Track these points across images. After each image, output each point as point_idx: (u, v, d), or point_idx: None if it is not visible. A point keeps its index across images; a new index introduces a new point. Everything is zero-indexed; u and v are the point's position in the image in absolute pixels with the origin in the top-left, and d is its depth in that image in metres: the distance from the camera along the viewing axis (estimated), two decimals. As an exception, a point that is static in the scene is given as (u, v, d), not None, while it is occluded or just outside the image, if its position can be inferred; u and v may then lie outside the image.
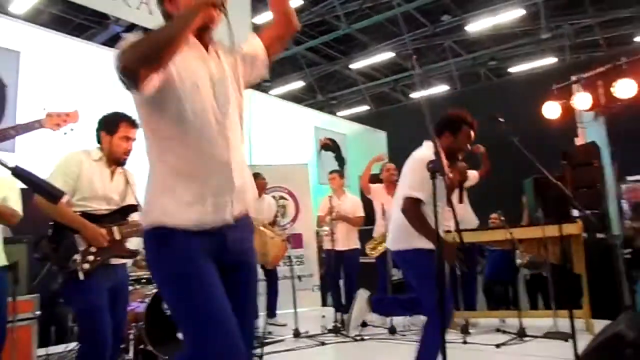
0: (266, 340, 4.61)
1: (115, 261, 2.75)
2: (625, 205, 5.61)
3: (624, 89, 4.98)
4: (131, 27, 11.07)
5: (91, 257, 2.59)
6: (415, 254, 2.75)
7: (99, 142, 2.83)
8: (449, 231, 4.43)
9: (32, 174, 1.05)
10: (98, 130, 2.83)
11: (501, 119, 2.94)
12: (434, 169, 2.27)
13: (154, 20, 6.26)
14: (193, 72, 1.52)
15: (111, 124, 2.79)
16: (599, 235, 5.33)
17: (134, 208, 2.86)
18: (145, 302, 3.92)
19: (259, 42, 1.76)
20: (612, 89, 5.03)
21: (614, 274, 4.98)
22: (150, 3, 6.36)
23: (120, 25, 11.13)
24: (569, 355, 3.05)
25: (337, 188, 5.58)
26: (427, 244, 2.65)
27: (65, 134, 2.61)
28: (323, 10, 11.74)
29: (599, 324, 4.02)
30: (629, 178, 10.04)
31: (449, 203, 2.32)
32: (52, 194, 1.08)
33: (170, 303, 1.56)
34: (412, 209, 2.68)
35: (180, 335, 4.02)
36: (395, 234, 2.91)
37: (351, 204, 5.54)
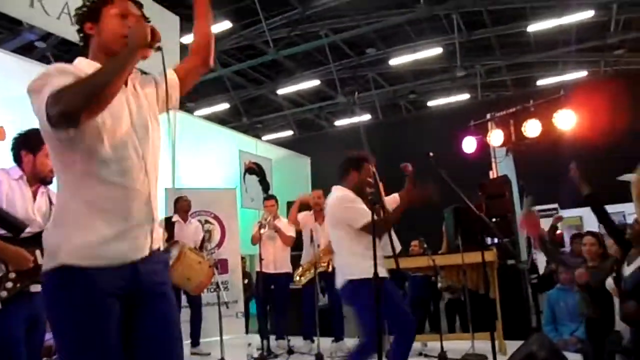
0: (190, 371, 4.44)
1: (34, 288, 2.54)
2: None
3: (532, 128, 5.50)
4: (47, 36, 10.48)
5: (9, 284, 2.38)
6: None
7: (16, 161, 2.62)
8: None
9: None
10: (16, 148, 2.62)
11: (431, 154, 3.12)
12: (373, 200, 2.39)
13: (75, 32, 5.95)
14: (111, 106, 1.46)
15: (34, 141, 2.56)
16: (509, 262, 5.74)
17: None
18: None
19: (175, 80, 1.74)
20: (522, 128, 5.54)
21: (522, 298, 5.37)
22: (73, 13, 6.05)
23: (34, 33, 10.48)
24: (487, 376, 3.24)
25: (273, 214, 5.55)
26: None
27: (-14, 152, 2.40)
28: (252, 34, 11.83)
29: (510, 345, 4.30)
30: (533, 208, 10.99)
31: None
32: (16, 226, 1.01)
33: (61, 350, 1.45)
34: None
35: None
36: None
37: (283, 225, 5.55)
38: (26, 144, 2.60)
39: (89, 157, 1.43)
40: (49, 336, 3.56)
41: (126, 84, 1.57)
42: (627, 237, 3.42)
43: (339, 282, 3.15)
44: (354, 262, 3.04)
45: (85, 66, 1.54)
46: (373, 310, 2.68)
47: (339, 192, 3.24)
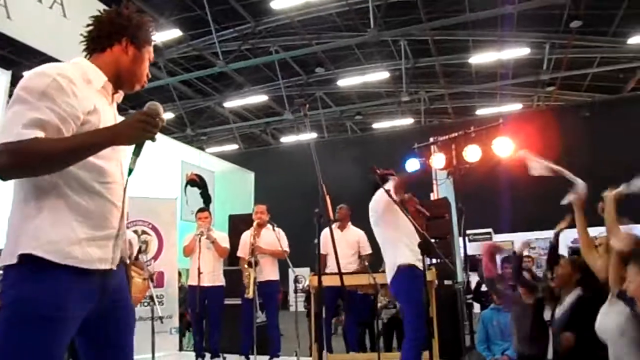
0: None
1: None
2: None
3: (472, 153, 5.72)
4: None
5: None
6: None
7: None
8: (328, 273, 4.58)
9: None
10: None
11: (378, 171, 3.16)
12: (319, 215, 2.38)
13: (11, 26, 5.61)
14: (106, 121, 1.49)
15: None
16: (446, 282, 5.88)
17: None
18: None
19: None
20: (463, 153, 5.75)
21: (457, 317, 5.50)
22: (10, 6, 5.68)
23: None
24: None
25: (207, 226, 5.41)
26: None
27: None
28: (201, 45, 11.69)
29: (445, 364, 4.38)
30: (469, 231, 11.41)
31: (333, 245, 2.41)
32: None
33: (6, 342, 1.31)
34: None
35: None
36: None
37: (218, 236, 5.43)
38: None
39: (81, 165, 1.40)
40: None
41: (112, 100, 1.59)
42: (551, 284, 3.53)
43: None
44: None
45: (87, 71, 1.50)
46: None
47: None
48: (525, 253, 6.40)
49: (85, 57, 1.58)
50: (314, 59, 12.52)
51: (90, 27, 1.59)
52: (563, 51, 11.57)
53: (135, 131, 1.40)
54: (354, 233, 5.48)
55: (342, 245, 5.11)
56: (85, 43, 1.59)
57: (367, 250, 5.59)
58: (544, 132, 8.00)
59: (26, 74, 1.38)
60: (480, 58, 11.75)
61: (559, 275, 3.36)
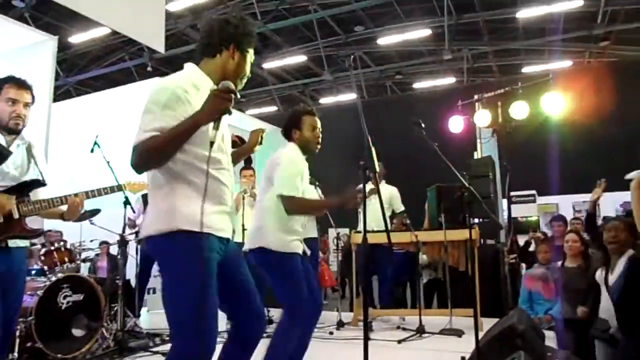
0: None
1: (12, 243, 2.46)
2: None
3: (518, 110, 5.53)
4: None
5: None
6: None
7: None
8: (359, 231, 4.62)
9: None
10: None
11: (423, 125, 3.08)
12: (365, 167, 2.26)
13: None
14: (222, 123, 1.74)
15: None
16: (489, 241, 5.82)
17: (37, 183, 2.56)
18: (37, 294, 3.55)
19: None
20: (509, 110, 5.57)
21: (498, 276, 5.46)
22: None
23: None
24: (463, 349, 3.31)
25: (251, 184, 5.50)
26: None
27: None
28: (239, 5, 11.58)
29: (486, 322, 4.38)
30: (512, 193, 11.10)
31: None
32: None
33: (179, 298, 1.69)
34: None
35: (75, 332, 3.71)
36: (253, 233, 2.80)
37: None
38: None
39: (201, 158, 1.72)
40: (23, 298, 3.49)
41: None
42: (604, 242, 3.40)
43: None
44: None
45: (195, 79, 1.79)
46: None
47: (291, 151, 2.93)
48: (574, 216, 6.19)
49: (200, 60, 1.88)
50: (353, 18, 12.23)
51: (203, 34, 1.89)
52: (621, 1, 10.81)
53: (211, 108, 1.63)
54: (386, 189, 5.46)
55: (374, 201, 5.16)
56: (198, 48, 1.89)
57: (400, 207, 5.61)
58: (598, 88, 7.58)
59: (153, 86, 1.76)
60: (528, 12, 11.13)
61: (611, 237, 3.27)
